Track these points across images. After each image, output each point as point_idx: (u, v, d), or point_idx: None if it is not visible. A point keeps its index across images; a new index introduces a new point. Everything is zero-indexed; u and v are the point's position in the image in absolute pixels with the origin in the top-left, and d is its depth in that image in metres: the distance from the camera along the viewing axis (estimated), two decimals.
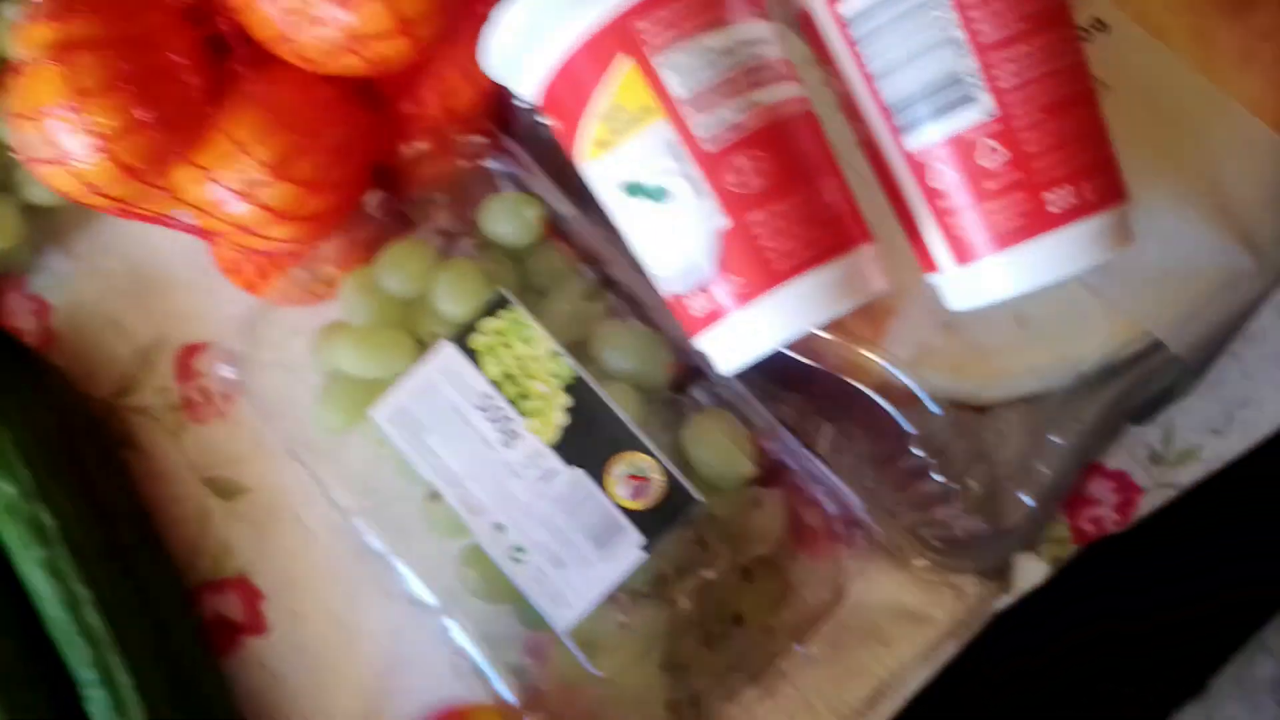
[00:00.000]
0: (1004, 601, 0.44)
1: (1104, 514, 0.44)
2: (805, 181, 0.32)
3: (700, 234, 0.32)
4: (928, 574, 0.43)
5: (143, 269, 0.49)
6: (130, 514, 0.46)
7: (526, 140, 0.42)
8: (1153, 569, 0.45)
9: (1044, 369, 0.40)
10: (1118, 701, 0.45)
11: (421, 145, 0.43)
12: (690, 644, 0.40)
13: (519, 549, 0.37)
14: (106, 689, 0.42)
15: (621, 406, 0.37)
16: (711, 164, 0.32)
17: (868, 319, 0.41)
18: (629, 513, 0.37)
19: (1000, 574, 0.43)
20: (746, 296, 0.32)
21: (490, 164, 0.43)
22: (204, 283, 0.48)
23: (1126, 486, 0.44)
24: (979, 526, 0.41)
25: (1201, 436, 0.45)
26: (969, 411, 0.41)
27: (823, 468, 0.39)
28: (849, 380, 0.40)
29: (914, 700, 0.44)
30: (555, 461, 0.37)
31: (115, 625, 0.43)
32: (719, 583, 0.39)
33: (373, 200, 0.43)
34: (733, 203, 0.32)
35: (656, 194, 0.32)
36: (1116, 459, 0.44)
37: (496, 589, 0.38)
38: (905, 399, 0.40)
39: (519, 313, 0.39)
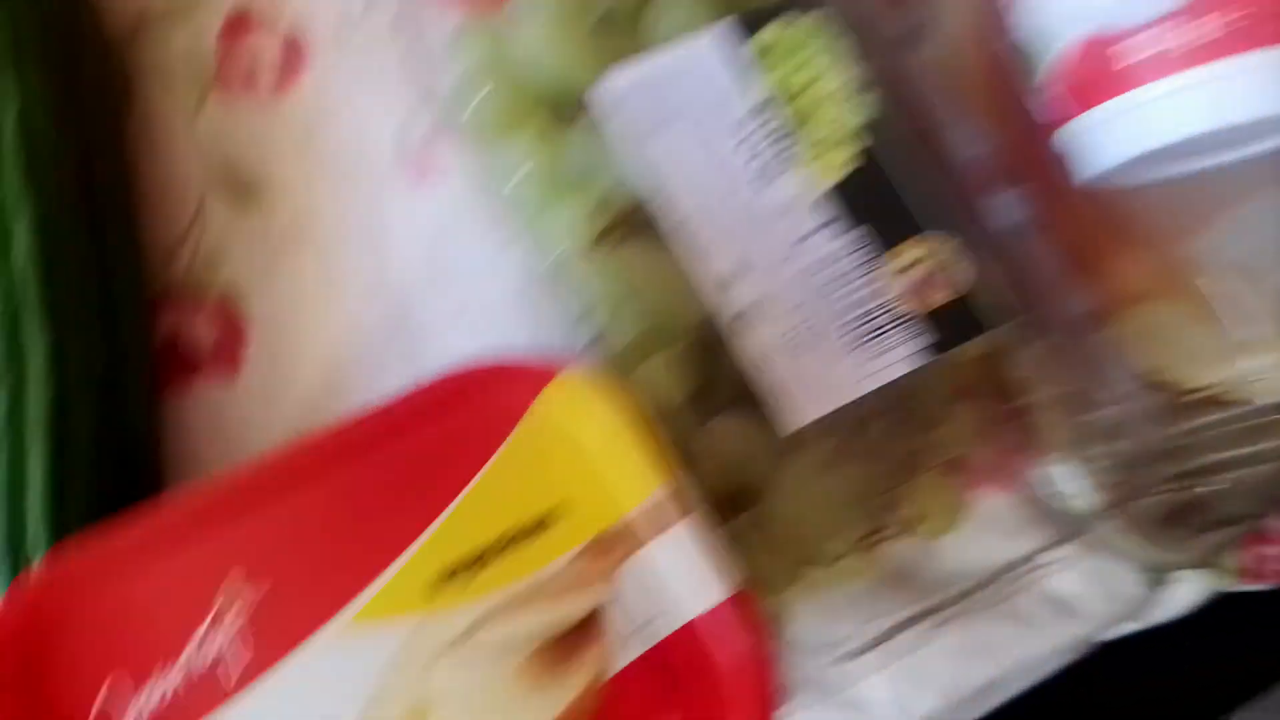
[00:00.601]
0: (1126, 629, 0.37)
1: (1276, 555, 0.38)
2: None
3: None
4: (1095, 551, 0.35)
5: None
6: (112, 172, 0.33)
7: None
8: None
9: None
10: None
11: None
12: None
13: (746, 313, 0.27)
14: (6, 361, 0.28)
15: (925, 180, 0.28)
16: None
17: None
18: (908, 311, 0.27)
19: (1159, 584, 0.36)
20: (1235, 41, 0.24)
21: None
22: None
23: None
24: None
25: None
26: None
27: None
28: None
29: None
30: (825, 218, 0.28)
31: (51, 272, 0.29)
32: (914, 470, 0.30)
33: None
34: None
35: None
36: None
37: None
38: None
39: (817, 25, 0.29)
